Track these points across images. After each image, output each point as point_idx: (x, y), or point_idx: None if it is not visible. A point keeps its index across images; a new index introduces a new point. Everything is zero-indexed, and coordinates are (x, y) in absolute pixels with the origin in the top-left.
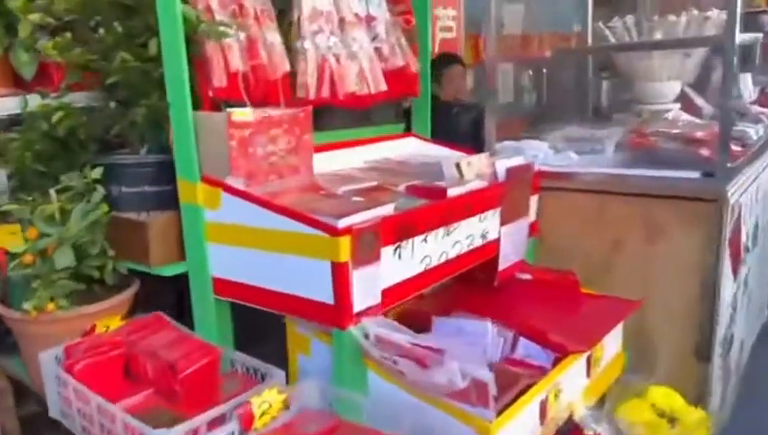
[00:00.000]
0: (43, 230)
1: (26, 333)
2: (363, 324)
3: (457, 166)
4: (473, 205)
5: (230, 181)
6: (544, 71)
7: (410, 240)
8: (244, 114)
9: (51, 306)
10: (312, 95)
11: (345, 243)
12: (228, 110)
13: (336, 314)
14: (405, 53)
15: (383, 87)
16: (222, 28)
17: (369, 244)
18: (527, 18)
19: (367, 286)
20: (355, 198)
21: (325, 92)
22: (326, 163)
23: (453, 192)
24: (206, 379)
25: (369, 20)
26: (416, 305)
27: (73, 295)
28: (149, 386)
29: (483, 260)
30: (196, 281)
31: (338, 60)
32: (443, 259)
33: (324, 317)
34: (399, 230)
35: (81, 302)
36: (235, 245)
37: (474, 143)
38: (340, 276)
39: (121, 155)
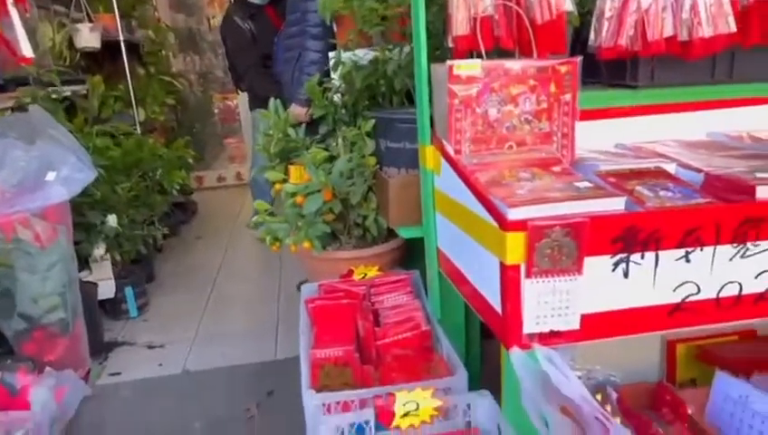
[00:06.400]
0: (312, 175)
1: (309, 267)
2: (535, 351)
3: None
4: None
5: (446, 146)
6: None
7: (651, 254)
8: (469, 67)
9: (307, 244)
10: (605, 42)
11: (515, 241)
12: (450, 62)
13: (502, 327)
14: None
15: (731, 27)
16: None
17: (560, 248)
18: None
19: (550, 303)
20: (589, 184)
21: (624, 39)
22: (648, 131)
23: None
24: (404, 352)
25: None
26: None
27: (324, 239)
28: (353, 342)
29: None
30: (427, 250)
31: None
32: (728, 292)
33: (495, 326)
34: (629, 236)
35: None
36: (447, 217)
37: None
38: (507, 282)
39: (393, 109)
